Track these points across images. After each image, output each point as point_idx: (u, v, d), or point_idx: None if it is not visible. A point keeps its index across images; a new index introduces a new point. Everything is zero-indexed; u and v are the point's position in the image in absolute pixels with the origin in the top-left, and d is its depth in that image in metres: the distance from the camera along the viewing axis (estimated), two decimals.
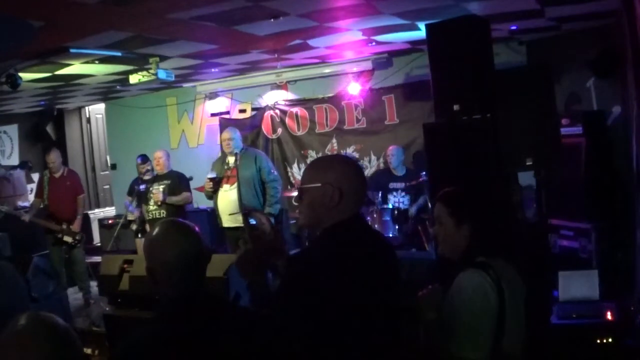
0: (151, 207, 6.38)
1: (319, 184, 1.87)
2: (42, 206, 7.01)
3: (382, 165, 7.54)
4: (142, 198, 6.58)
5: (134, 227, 6.71)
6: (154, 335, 1.74)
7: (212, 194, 6.06)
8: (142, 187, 6.61)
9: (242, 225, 5.88)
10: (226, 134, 6.07)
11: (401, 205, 6.65)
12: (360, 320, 1.74)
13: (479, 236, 2.17)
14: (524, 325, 2.13)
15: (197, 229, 1.88)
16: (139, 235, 6.59)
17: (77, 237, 6.94)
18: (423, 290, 2.28)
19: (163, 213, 6.29)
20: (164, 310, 1.82)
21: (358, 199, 1.92)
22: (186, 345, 1.69)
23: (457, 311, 2.07)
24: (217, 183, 5.97)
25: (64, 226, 6.87)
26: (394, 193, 6.76)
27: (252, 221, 2.02)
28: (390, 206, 6.55)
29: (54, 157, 7.02)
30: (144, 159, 6.95)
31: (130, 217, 6.83)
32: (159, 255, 1.80)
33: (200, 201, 7.59)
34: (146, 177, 6.66)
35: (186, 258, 1.78)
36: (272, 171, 6.05)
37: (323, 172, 1.89)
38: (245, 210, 5.40)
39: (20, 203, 8.47)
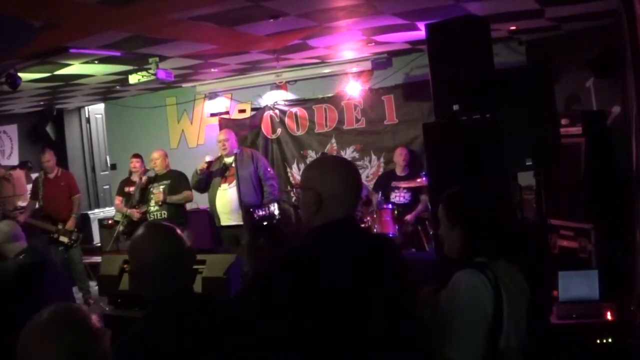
0: (152, 208, 6.37)
1: (305, 187, 1.91)
2: (37, 207, 7.01)
3: (382, 165, 7.54)
4: (131, 198, 6.55)
5: (120, 228, 6.47)
6: (140, 337, 1.78)
7: (199, 180, 6.13)
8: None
9: (239, 223, 5.97)
10: (221, 136, 6.19)
11: (402, 200, 6.69)
12: (329, 321, 1.72)
13: (471, 239, 2.17)
14: (525, 327, 2.11)
15: (178, 230, 1.93)
16: (125, 237, 6.38)
17: (73, 237, 6.95)
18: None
19: (164, 213, 6.29)
20: (150, 311, 1.87)
21: (344, 204, 1.89)
22: (170, 345, 1.72)
23: (450, 312, 2.06)
24: (210, 173, 6.06)
25: (60, 227, 6.88)
26: (396, 191, 6.79)
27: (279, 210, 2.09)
28: (390, 206, 6.55)
29: (48, 156, 7.08)
30: (137, 156, 6.95)
31: (117, 218, 6.75)
32: (139, 255, 1.86)
33: (201, 201, 7.58)
34: (135, 178, 6.62)
35: (165, 258, 1.83)
36: (268, 169, 6.20)
37: (309, 176, 1.94)
38: (272, 202, 5.56)
39: (20, 203, 8.44)
